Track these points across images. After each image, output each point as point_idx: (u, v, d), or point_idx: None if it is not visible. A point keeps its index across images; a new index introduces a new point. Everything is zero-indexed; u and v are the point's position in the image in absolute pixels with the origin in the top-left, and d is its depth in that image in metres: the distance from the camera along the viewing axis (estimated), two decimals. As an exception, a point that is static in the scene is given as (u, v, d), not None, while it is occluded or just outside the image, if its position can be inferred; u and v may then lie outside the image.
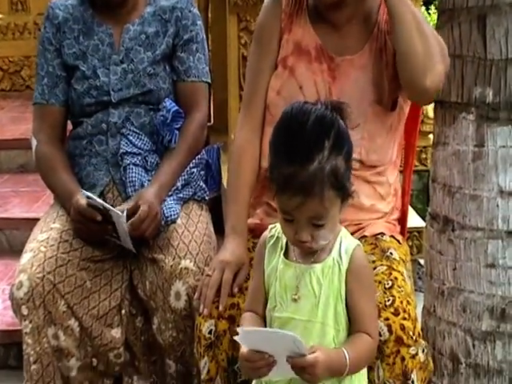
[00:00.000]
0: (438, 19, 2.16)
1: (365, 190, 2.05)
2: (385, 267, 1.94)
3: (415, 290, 2.10)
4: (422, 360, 1.84)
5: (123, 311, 2.31)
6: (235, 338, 1.59)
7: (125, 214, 2.18)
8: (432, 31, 1.95)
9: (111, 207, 2.20)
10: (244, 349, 1.60)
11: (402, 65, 1.95)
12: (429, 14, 7.08)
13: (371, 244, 2.05)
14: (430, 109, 2.37)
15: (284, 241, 1.72)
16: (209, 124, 2.62)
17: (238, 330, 1.58)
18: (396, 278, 1.91)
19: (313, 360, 1.55)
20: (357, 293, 1.65)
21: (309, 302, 1.67)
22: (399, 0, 1.92)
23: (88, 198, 2.19)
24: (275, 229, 1.76)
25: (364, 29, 2.08)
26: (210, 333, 1.92)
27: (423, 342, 1.86)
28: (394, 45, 1.98)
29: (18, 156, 4.65)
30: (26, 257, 2.23)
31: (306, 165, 1.54)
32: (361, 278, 1.66)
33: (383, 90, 2.05)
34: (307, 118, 1.57)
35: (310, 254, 1.67)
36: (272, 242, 1.75)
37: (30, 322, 2.16)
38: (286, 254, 1.72)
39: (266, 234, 1.78)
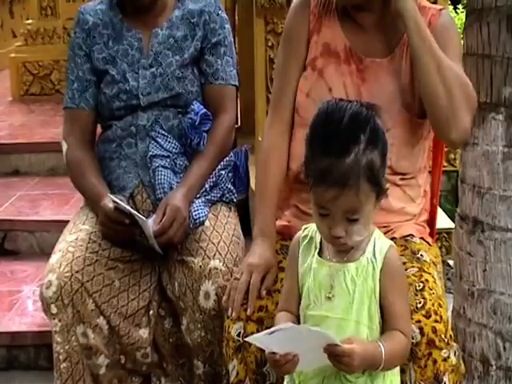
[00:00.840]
0: (466, 19, 2.14)
1: (394, 192, 2.03)
2: (415, 269, 1.93)
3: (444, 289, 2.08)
4: (453, 363, 1.82)
5: (151, 312, 2.32)
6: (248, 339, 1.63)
7: (150, 220, 2.20)
8: (457, 77, 1.91)
9: (136, 212, 2.21)
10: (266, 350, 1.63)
11: (427, 112, 1.96)
12: (456, 13, 7.03)
13: (401, 246, 2.03)
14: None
15: (318, 240, 1.73)
16: (236, 126, 2.61)
17: (249, 339, 1.63)
18: (427, 280, 1.90)
19: (350, 349, 1.56)
20: (390, 292, 1.66)
21: (343, 301, 1.67)
22: (422, 45, 1.90)
23: (114, 202, 2.20)
24: (308, 229, 1.77)
25: (393, 33, 2.06)
26: (238, 335, 1.92)
27: (455, 344, 1.84)
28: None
29: (48, 159, 4.68)
30: (54, 257, 2.25)
31: (342, 157, 1.56)
32: (395, 278, 1.67)
33: (413, 98, 2.03)
34: (343, 114, 1.60)
35: (344, 253, 1.68)
36: (306, 241, 1.76)
37: (60, 320, 2.18)
38: (320, 253, 1.73)
39: (300, 233, 1.79)
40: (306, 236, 1.77)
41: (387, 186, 1.67)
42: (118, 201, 2.19)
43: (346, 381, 1.67)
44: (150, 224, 2.21)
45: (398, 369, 1.73)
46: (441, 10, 2.07)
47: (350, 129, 1.59)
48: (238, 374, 1.93)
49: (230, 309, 1.94)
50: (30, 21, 6.65)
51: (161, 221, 2.21)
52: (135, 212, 2.21)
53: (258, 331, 1.88)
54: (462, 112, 1.89)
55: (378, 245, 1.68)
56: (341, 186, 1.56)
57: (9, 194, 4.29)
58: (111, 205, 2.21)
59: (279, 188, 2.13)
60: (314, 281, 1.70)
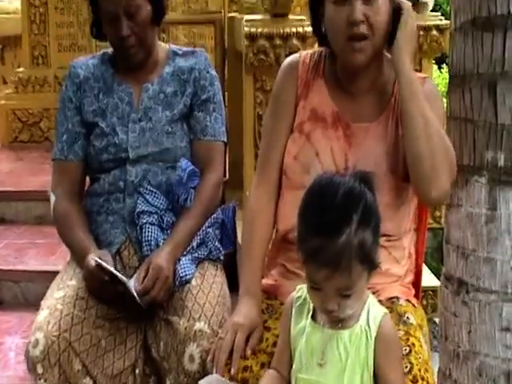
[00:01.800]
0: (449, 83, 2.18)
1: (380, 254, 2.05)
2: (402, 332, 1.93)
3: (430, 350, 2.08)
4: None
5: (137, 371, 2.30)
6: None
7: (132, 280, 2.21)
8: (442, 140, 1.95)
9: (118, 273, 2.20)
10: None
11: (409, 170, 1.99)
12: (441, 72, 7.15)
13: (387, 308, 2.02)
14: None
15: (311, 303, 1.72)
16: (224, 179, 2.63)
17: None
18: (413, 344, 1.90)
19: None
20: (385, 362, 1.65)
21: (335, 368, 1.66)
22: (412, 102, 1.95)
23: (97, 262, 2.20)
24: (302, 290, 1.76)
25: (380, 99, 2.10)
26: None
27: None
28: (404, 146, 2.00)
29: (36, 207, 4.69)
30: (42, 314, 2.23)
31: (335, 238, 1.55)
32: (389, 348, 1.67)
33: (398, 162, 2.06)
34: (336, 191, 1.59)
35: (340, 321, 1.67)
36: (299, 302, 1.76)
37: (45, 380, 2.15)
38: (314, 316, 1.72)
39: (294, 294, 1.79)
40: (299, 297, 1.76)
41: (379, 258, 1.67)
42: (99, 261, 2.20)
43: None
44: (132, 284, 2.21)
45: None
46: (424, 78, 2.13)
47: (343, 208, 1.58)
48: None
49: (214, 368, 1.93)
50: (21, 69, 6.71)
51: (144, 280, 2.21)
52: (117, 272, 2.21)
53: None
54: (444, 174, 1.93)
55: (372, 313, 1.67)
56: (333, 268, 1.56)
57: (-5, 243, 4.28)
58: (93, 263, 2.21)
59: (265, 248, 2.14)
60: (307, 345, 1.69)
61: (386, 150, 2.06)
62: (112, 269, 2.20)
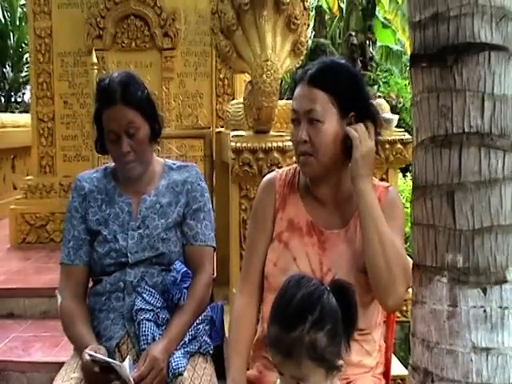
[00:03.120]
0: (412, 192, 2.23)
1: (353, 346, 2.04)
2: None
3: None
4: None
5: None
6: None
7: (125, 363, 2.19)
8: (397, 253, 2.01)
9: (111, 360, 2.20)
10: None
11: (370, 280, 2.03)
12: (405, 179, 7.27)
13: (360, 400, 2.04)
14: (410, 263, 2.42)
15: None
16: (212, 277, 2.64)
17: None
18: None
19: None
20: None
21: None
22: (367, 220, 2.01)
23: (90, 355, 2.19)
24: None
25: (348, 207, 2.14)
26: None
27: None
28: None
29: (41, 303, 4.66)
30: None
31: (288, 332, 1.61)
32: None
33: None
34: (297, 292, 1.65)
35: None
36: None
37: None
38: None
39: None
40: None
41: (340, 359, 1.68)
42: (93, 354, 2.19)
43: None
44: (126, 365, 2.19)
45: None
46: (387, 187, 2.18)
47: (299, 308, 1.63)
48: None
49: None
50: (30, 177, 6.76)
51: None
52: (111, 360, 2.20)
53: None
54: (399, 283, 1.98)
55: None
56: (284, 356, 1.61)
57: (3, 336, 4.23)
58: (87, 356, 2.20)
59: (250, 345, 2.14)
60: None
61: (357, 252, 2.08)
62: (105, 358, 2.19)
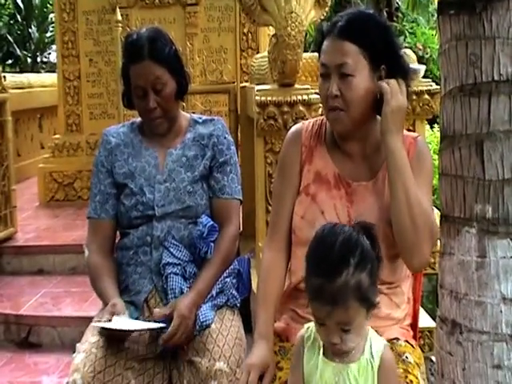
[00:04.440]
0: (440, 142, 2.20)
1: (382, 300, 2.01)
2: (401, 370, 1.92)
3: (428, 386, 2.07)
4: None
5: None
6: None
7: (123, 323, 2.20)
8: (424, 213, 1.97)
9: (116, 326, 2.19)
10: None
11: (395, 238, 2.00)
12: (432, 131, 7.18)
13: (388, 348, 2.03)
14: (437, 220, 2.39)
15: (321, 342, 1.75)
16: (239, 230, 2.64)
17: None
18: (411, 382, 1.89)
19: None
20: None
21: None
22: (396, 178, 1.97)
23: (102, 328, 2.22)
24: (310, 329, 1.79)
25: (376, 159, 2.10)
26: None
27: None
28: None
29: (70, 260, 4.71)
30: (79, 357, 2.23)
31: (333, 279, 1.62)
32: (390, 375, 1.71)
33: None
34: (336, 239, 1.66)
35: (345, 353, 1.70)
36: (310, 342, 1.78)
37: None
38: (324, 354, 1.74)
39: (303, 332, 1.81)
40: (309, 336, 1.78)
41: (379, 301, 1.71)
42: (102, 325, 2.21)
43: None
44: (126, 325, 2.20)
45: None
46: (416, 138, 2.13)
47: (341, 253, 1.64)
48: None
49: None
50: (57, 135, 6.80)
51: (163, 316, 2.24)
52: (120, 327, 2.19)
53: None
54: (425, 243, 1.95)
55: (375, 345, 1.72)
56: (332, 305, 1.62)
57: (34, 292, 4.30)
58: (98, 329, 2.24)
59: (278, 298, 2.13)
60: (321, 379, 1.71)
61: (385, 205, 2.05)
62: (115, 326, 2.19)
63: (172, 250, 2.40)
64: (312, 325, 1.78)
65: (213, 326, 2.31)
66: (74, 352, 2.27)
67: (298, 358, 1.80)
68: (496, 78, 1.94)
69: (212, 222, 2.43)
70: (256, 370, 1.94)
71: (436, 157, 2.21)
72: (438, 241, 2.25)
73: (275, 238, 2.18)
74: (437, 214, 2.27)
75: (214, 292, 2.38)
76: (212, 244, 2.41)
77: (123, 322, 2.21)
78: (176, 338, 2.23)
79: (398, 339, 2.04)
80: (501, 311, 1.95)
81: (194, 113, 2.98)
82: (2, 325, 3.94)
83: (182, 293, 2.34)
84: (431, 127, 7.30)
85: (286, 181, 2.17)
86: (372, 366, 1.70)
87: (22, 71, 13.20)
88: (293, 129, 2.23)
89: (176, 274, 2.36)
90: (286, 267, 2.16)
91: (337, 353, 1.71)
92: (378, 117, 2.07)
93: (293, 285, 2.12)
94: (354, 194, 2.09)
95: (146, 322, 2.27)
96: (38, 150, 8.31)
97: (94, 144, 6.25)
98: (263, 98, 3.29)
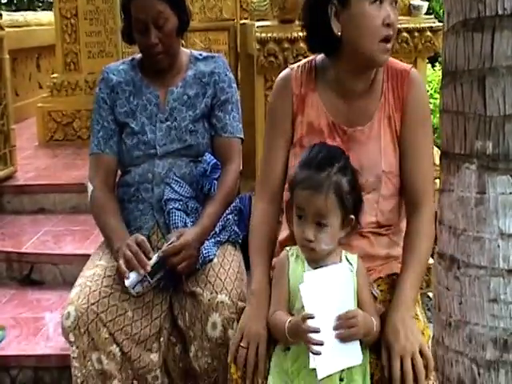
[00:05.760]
0: (442, 79, 2.19)
1: (381, 240, 2.05)
2: None
3: (425, 321, 2.10)
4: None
5: (162, 338, 2.32)
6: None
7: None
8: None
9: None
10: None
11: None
12: (434, 69, 7.12)
13: (387, 284, 2.05)
14: (436, 157, 2.39)
15: (304, 257, 1.90)
16: (240, 168, 2.64)
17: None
18: None
19: (355, 311, 1.78)
20: (362, 287, 1.88)
21: None
22: None
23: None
24: (293, 248, 1.93)
25: (371, 100, 2.04)
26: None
27: (434, 373, 1.86)
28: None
29: (71, 198, 4.71)
30: (74, 291, 2.26)
31: (319, 172, 1.83)
32: (365, 282, 1.91)
33: (393, 156, 2.04)
34: (326, 148, 1.91)
35: (319, 257, 1.87)
36: (293, 257, 1.91)
37: (77, 347, 2.19)
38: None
39: (286, 251, 1.94)
40: (292, 253, 1.91)
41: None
42: (155, 260, 2.23)
43: None
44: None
45: None
46: (410, 69, 2.06)
47: (329, 155, 1.87)
48: None
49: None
50: (55, 74, 6.71)
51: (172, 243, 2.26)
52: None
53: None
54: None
55: (349, 256, 1.91)
56: (313, 190, 1.80)
57: (35, 230, 4.31)
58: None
59: (272, 250, 2.11)
60: None
61: (382, 148, 2.03)
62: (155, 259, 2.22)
63: (174, 185, 2.41)
64: (293, 247, 1.93)
65: (215, 260, 2.33)
66: (74, 289, 2.30)
67: (282, 271, 1.91)
68: (500, 12, 1.92)
69: (215, 160, 2.43)
70: (264, 342, 1.91)
71: (437, 96, 2.20)
72: (438, 180, 2.27)
73: (267, 189, 2.14)
74: (436, 152, 2.29)
75: (217, 229, 2.40)
76: (215, 181, 2.41)
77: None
78: (175, 260, 2.23)
79: (396, 274, 2.05)
80: (498, 246, 1.98)
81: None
82: (4, 262, 3.96)
83: (185, 227, 2.35)
84: (433, 66, 7.23)
85: (277, 132, 2.11)
86: (351, 270, 1.86)
87: (17, 10, 12.98)
88: (281, 77, 2.14)
89: (178, 209, 2.38)
90: (278, 219, 2.15)
91: (311, 255, 1.86)
92: None
93: (286, 235, 2.09)
94: (350, 140, 2.04)
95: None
96: (36, 90, 8.22)
97: (93, 83, 6.18)
98: (263, 35, 3.25)
